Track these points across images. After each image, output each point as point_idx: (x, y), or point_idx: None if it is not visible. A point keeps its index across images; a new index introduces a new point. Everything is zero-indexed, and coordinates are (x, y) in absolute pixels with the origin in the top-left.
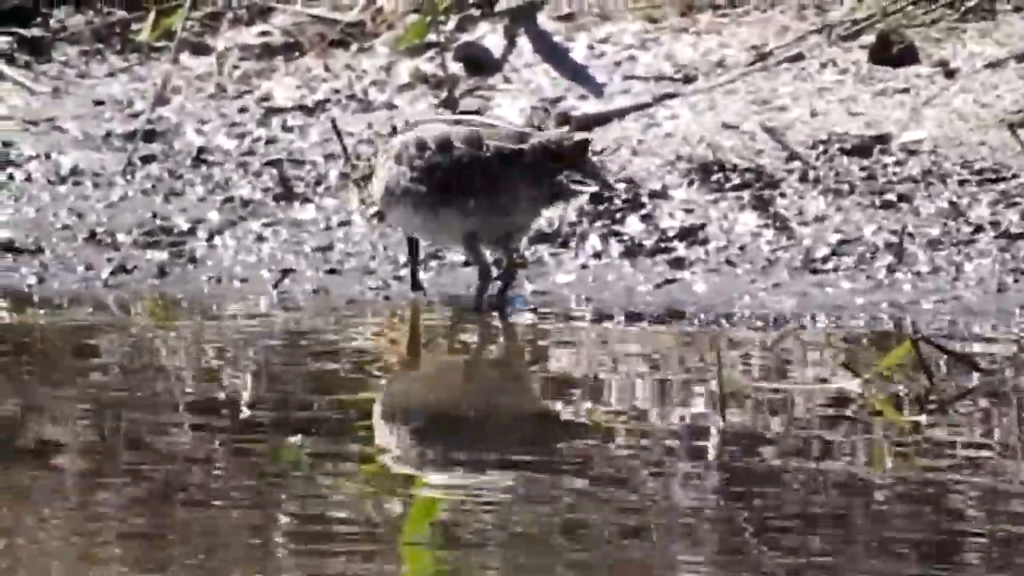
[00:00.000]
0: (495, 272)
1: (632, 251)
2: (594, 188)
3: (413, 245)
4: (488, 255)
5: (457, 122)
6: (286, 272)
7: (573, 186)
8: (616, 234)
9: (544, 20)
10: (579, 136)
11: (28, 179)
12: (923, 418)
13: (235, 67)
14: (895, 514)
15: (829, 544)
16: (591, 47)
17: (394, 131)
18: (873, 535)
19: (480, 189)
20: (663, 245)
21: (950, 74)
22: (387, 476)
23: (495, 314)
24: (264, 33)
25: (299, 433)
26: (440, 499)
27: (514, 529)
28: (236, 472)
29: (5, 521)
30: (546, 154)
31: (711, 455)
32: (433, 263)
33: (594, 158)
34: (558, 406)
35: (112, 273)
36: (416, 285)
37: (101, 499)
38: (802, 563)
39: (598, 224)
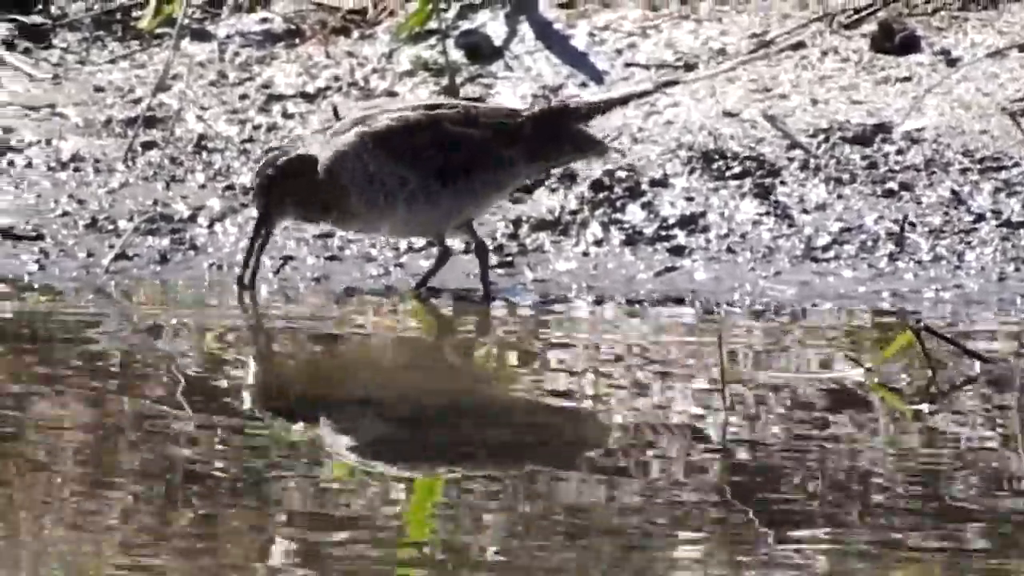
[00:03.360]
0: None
1: (633, 239)
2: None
3: (261, 243)
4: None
5: (403, 109)
6: (286, 259)
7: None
8: (617, 222)
9: (545, 7)
10: (557, 103)
11: (28, 165)
12: (925, 407)
13: (236, 54)
14: (898, 504)
15: (830, 531)
16: (592, 34)
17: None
18: (875, 523)
19: (476, 166)
20: (664, 233)
21: (952, 63)
22: (385, 465)
23: (497, 303)
24: (265, 20)
25: (300, 421)
26: (440, 490)
27: (516, 519)
28: (236, 461)
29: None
30: (536, 126)
31: (713, 442)
32: (435, 249)
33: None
34: (558, 394)
35: (113, 260)
36: (248, 283)
37: (102, 488)
38: (805, 549)
39: (599, 212)
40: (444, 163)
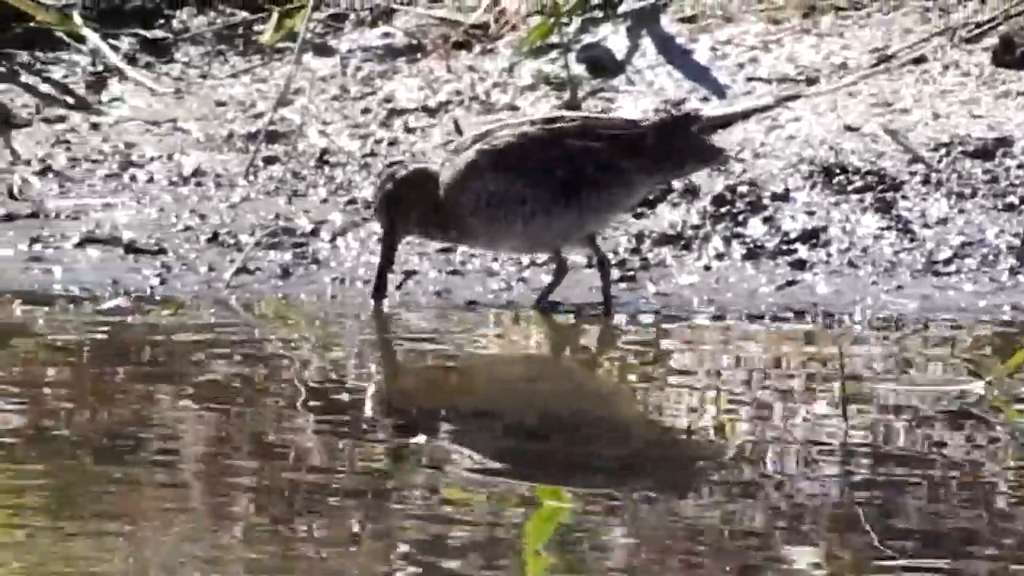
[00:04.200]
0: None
1: (754, 253)
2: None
3: (389, 256)
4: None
5: (522, 124)
6: (409, 274)
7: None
8: (738, 236)
9: (667, 22)
10: (680, 112)
11: (150, 180)
12: None
13: (358, 68)
14: (1019, 519)
15: (949, 548)
16: (714, 48)
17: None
18: (996, 539)
19: (599, 180)
20: (785, 247)
21: None
22: (504, 480)
23: (619, 316)
24: (387, 34)
25: (420, 434)
26: (559, 506)
27: (633, 539)
28: (356, 474)
29: (129, 520)
30: (657, 136)
31: (832, 459)
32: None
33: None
34: (678, 409)
35: (235, 274)
36: (380, 294)
37: (222, 499)
38: (925, 566)
39: (720, 226)
40: (564, 179)
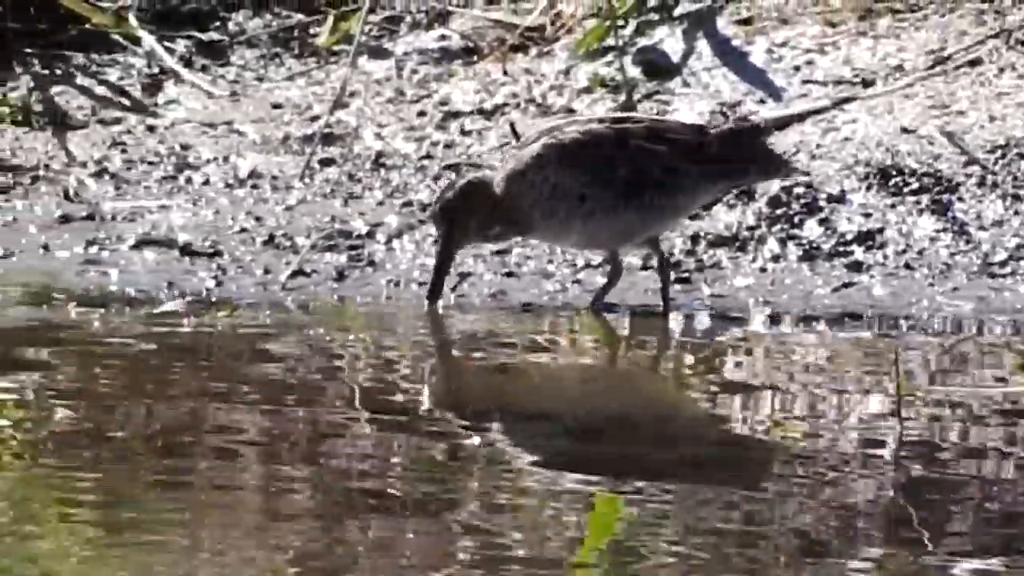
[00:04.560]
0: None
1: (810, 255)
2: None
3: (447, 263)
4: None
5: (590, 121)
6: (464, 275)
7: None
8: (794, 238)
9: (723, 24)
10: (749, 123)
11: (206, 182)
12: None
13: (414, 71)
14: None
15: (1006, 558)
16: (770, 51)
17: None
18: None
19: (662, 184)
20: (841, 249)
21: None
22: (561, 480)
23: (674, 318)
24: (443, 37)
25: (476, 435)
26: (617, 508)
27: (689, 539)
28: (411, 476)
29: (185, 521)
30: (723, 144)
31: (888, 460)
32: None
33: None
34: (734, 410)
35: (290, 276)
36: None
37: (280, 502)
38: (979, 567)
39: (776, 228)
40: (627, 179)
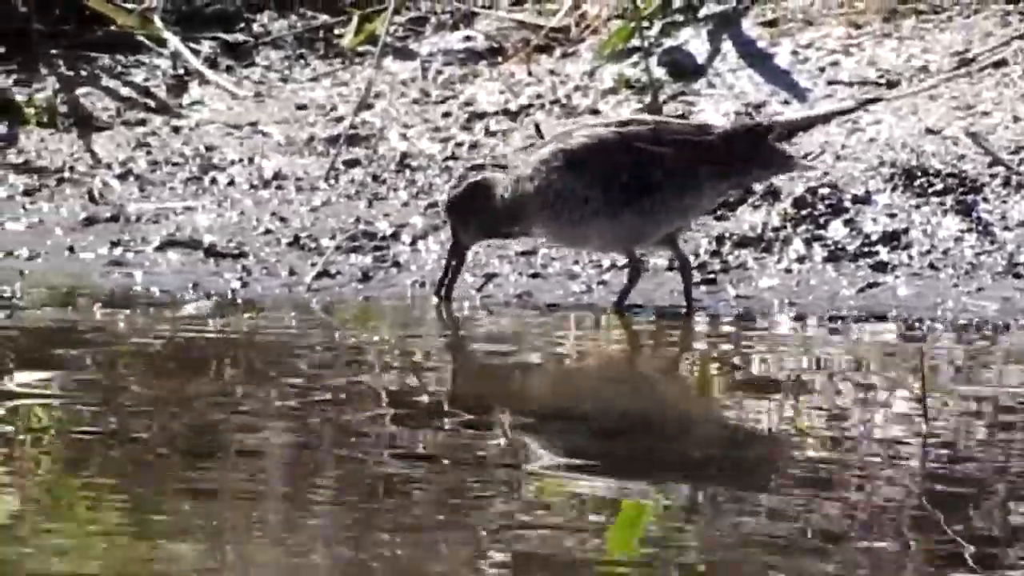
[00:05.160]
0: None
1: (835, 255)
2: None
3: (458, 263)
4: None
5: (596, 126)
6: (490, 276)
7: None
8: (819, 239)
9: (748, 25)
10: (754, 123)
11: (231, 183)
12: None
13: (439, 72)
14: None
15: None
16: (795, 52)
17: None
18: None
19: (664, 186)
20: (866, 249)
21: None
22: (585, 480)
23: (699, 318)
24: (468, 38)
25: (501, 435)
26: (642, 508)
27: (710, 541)
28: (437, 476)
29: (213, 523)
30: (728, 145)
31: (912, 460)
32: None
33: (780, 145)
34: (759, 411)
35: (315, 277)
36: (445, 295)
37: (307, 502)
38: (1004, 565)
39: (801, 229)
40: (629, 183)
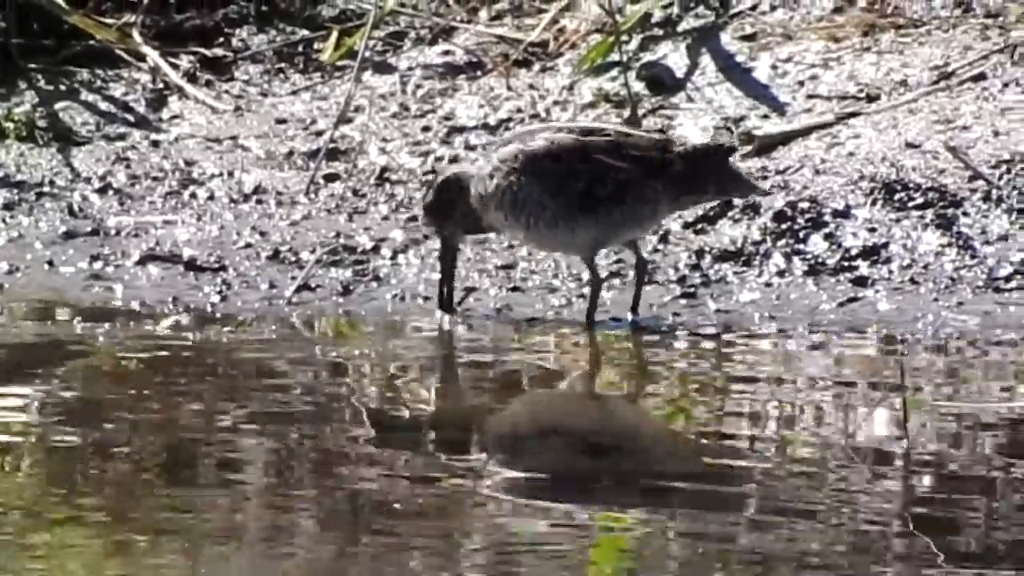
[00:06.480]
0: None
1: (815, 270)
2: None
3: (450, 264)
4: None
5: (560, 130)
6: (469, 290)
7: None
8: (799, 253)
9: (727, 40)
10: (716, 143)
11: (211, 197)
12: None
13: (418, 86)
14: None
15: (1013, 560)
16: (774, 66)
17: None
18: None
19: (619, 199)
20: (846, 264)
21: None
22: (564, 498)
23: (679, 333)
24: (447, 52)
25: (479, 452)
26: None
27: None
28: (416, 493)
29: (188, 538)
30: (687, 162)
31: (895, 475)
32: (616, 281)
33: (739, 166)
34: (739, 427)
35: (296, 291)
36: (448, 306)
37: (286, 518)
38: None
39: (781, 243)
40: (585, 193)
